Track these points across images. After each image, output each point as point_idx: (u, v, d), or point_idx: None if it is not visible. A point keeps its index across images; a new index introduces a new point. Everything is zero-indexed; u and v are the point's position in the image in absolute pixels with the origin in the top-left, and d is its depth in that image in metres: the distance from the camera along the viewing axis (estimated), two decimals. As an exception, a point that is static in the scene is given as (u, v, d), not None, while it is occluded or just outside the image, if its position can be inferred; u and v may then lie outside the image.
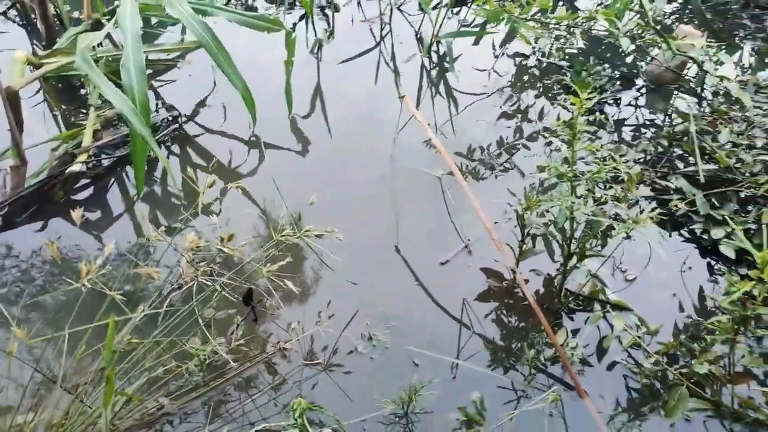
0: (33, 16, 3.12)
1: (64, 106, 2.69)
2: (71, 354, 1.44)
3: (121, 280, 1.82)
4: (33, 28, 3.14)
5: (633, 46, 2.40)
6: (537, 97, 2.85)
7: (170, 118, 2.61)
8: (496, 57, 3.13)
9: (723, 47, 2.68)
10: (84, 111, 2.65)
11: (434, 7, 3.18)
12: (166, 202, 2.30)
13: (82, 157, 2.25)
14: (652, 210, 1.70)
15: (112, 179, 2.35)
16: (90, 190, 2.30)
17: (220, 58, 2.27)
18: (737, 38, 3.16)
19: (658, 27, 2.42)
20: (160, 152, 1.88)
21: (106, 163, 2.37)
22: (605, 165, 1.71)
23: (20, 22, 3.20)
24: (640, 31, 2.41)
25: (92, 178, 2.32)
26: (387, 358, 1.77)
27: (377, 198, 2.33)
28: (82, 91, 2.76)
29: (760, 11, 3.25)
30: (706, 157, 2.28)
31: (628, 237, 1.77)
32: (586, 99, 1.56)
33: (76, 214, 1.31)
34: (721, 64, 2.57)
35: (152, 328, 1.59)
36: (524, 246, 1.94)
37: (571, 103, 1.52)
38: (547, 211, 2.03)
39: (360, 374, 1.73)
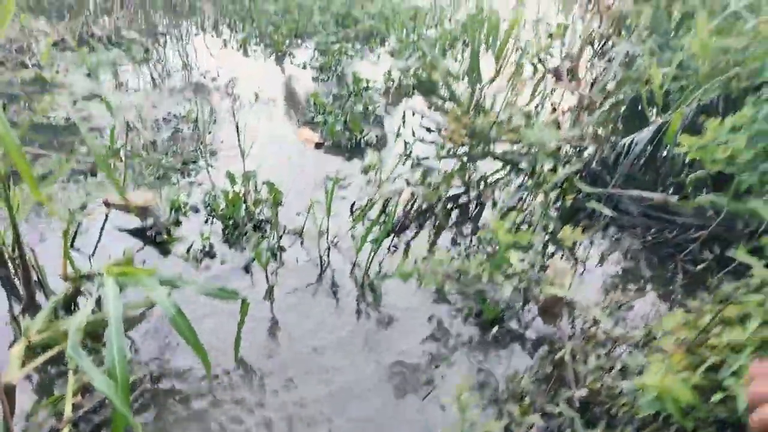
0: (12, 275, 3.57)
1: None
2: None
3: None
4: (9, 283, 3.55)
5: (511, 291, 3.13)
6: (451, 322, 3.49)
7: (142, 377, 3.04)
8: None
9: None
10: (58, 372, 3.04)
11: (364, 238, 3.87)
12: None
13: (66, 429, 2.60)
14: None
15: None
16: (72, 460, 2.61)
17: (186, 334, 2.73)
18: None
19: (536, 269, 3.18)
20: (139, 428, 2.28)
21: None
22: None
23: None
24: (520, 275, 3.16)
25: (72, 445, 2.65)
26: None
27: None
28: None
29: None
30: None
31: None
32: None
33: None
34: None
35: None
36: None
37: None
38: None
39: None
